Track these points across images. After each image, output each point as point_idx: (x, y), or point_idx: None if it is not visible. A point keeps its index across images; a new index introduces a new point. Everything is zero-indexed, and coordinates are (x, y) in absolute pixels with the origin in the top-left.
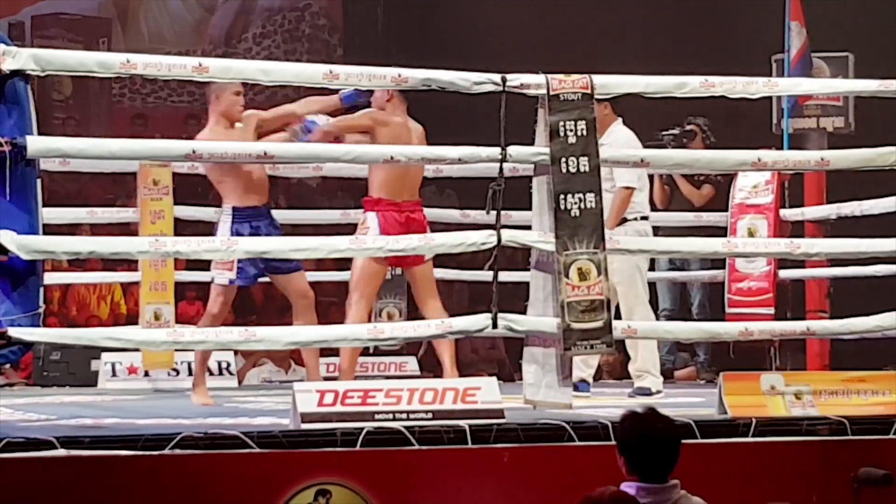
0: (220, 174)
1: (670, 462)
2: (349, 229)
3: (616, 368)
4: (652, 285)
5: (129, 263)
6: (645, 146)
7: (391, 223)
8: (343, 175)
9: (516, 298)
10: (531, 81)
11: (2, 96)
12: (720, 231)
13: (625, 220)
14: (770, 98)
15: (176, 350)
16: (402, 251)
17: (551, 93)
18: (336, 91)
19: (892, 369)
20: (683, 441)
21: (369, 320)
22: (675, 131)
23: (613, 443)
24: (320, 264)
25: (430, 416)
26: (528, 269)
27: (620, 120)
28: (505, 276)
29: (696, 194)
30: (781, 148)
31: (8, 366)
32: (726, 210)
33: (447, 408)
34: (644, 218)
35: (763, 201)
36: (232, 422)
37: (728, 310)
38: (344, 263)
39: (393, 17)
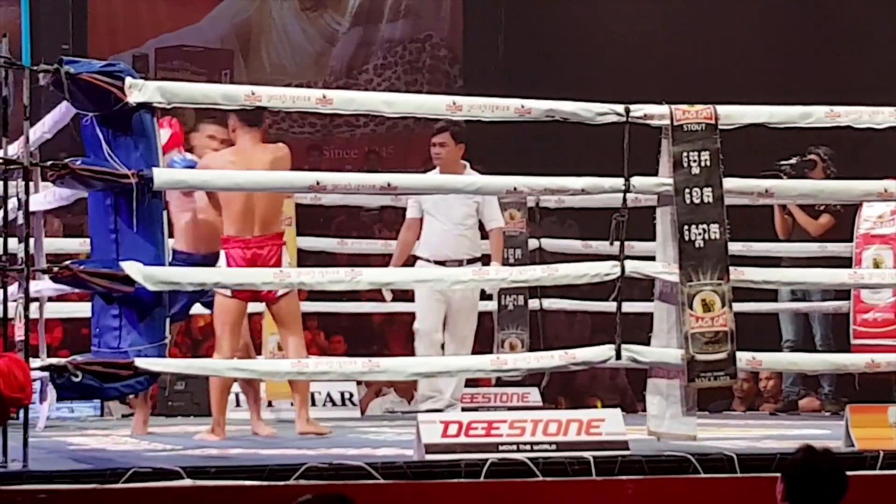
0: None
1: None
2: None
3: (749, 395)
4: (774, 316)
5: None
6: (761, 176)
7: (236, 260)
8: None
9: (638, 329)
10: (655, 112)
11: (129, 129)
12: (844, 261)
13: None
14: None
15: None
16: (526, 282)
17: (675, 123)
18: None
19: None
20: None
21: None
22: (793, 161)
23: (739, 475)
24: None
25: (554, 447)
26: (650, 300)
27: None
28: (628, 306)
29: (812, 224)
30: None
31: (132, 395)
32: (850, 240)
33: (571, 439)
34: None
35: (889, 231)
36: (355, 452)
37: (853, 341)
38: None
39: (514, 47)
